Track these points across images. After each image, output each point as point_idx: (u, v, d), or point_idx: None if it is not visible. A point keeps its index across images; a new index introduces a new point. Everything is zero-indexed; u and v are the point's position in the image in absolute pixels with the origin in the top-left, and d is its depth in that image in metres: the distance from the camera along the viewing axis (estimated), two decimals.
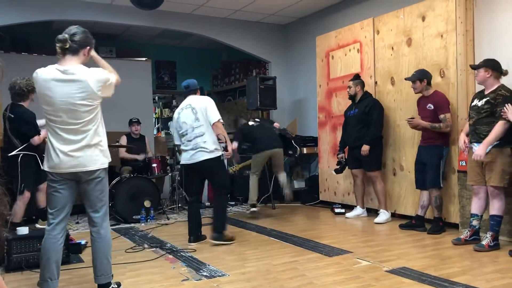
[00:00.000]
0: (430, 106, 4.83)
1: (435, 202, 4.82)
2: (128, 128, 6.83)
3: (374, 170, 5.46)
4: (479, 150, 4.01)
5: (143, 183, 5.96)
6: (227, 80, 9.55)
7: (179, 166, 7.57)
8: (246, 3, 7.09)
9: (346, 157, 5.80)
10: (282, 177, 6.02)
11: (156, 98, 10.87)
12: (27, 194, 4.86)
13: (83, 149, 2.90)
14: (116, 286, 3.12)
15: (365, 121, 5.45)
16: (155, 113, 11.08)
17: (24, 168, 4.88)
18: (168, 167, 6.67)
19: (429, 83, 4.89)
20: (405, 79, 5.07)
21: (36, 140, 4.84)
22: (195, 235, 4.60)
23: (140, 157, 6.57)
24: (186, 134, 4.56)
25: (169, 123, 11.37)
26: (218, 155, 4.52)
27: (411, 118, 4.93)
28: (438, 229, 4.77)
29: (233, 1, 7.02)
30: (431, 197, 4.87)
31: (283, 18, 8.00)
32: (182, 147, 4.64)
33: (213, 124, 4.51)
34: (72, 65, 2.90)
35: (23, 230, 3.85)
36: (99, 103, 2.97)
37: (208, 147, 4.46)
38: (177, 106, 10.85)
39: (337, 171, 5.89)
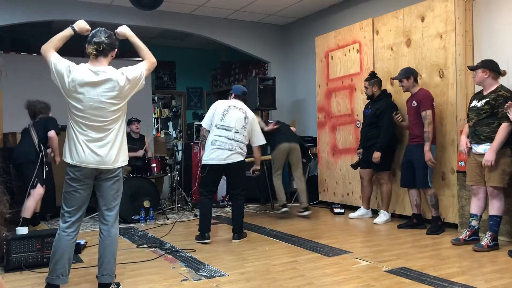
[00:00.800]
0: (414, 103, 4.86)
1: (430, 201, 4.83)
2: (127, 128, 6.81)
3: (383, 171, 5.43)
4: (489, 155, 3.98)
5: (143, 183, 5.96)
6: (227, 81, 9.56)
7: (178, 166, 7.59)
8: (245, 3, 7.10)
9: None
10: (299, 182, 6.05)
11: (156, 98, 10.88)
12: (41, 190, 4.97)
13: (106, 146, 2.98)
14: (115, 286, 3.12)
15: (375, 123, 5.38)
16: (155, 113, 11.09)
17: (41, 164, 5.11)
18: (167, 167, 6.67)
19: (415, 80, 4.92)
20: (392, 78, 5.13)
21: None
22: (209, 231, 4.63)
23: (139, 153, 6.58)
24: (228, 130, 4.56)
25: (168, 123, 11.38)
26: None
27: (395, 114, 5.02)
28: (437, 229, 4.77)
29: (233, 1, 7.02)
30: (426, 196, 4.88)
31: (282, 18, 8.01)
32: (215, 144, 4.55)
33: (256, 146, 4.87)
34: (104, 66, 3.06)
35: (23, 230, 3.85)
36: (126, 102, 3.12)
37: (243, 151, 4.67)
38: (176, 107, 10.92)
39: (353, 166, 5.81)
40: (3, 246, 3.66)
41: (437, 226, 4.79)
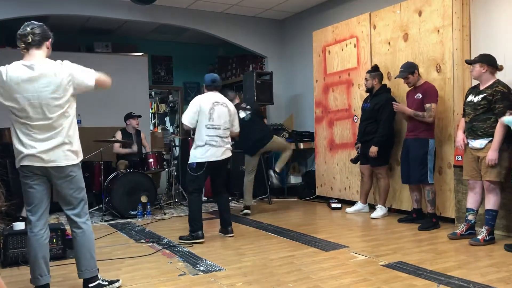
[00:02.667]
0: (419, 95, 4.84)
1: (427, 196, 4.83)
2: (123, 123, 6.79)
3: (380, 166, 5.43)
4: (492, 155, 3.97)
5: (140, 178, 5.95)
6: (224, 75, 9.53)
7: (176, 162, 7.58)
8: None
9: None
10: (287, 153, 6.14)
11: (153, 93, 10.85)
12: None
13: (53, 145, 2.83)
14: (106, 283, 3.05)
15: (374, 118, 5.36)
16: (152, 108, 11.06)
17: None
18: (164, 162, 6.67)
19: (419, 74, 4.91)
20: (396, 77, 5.09)
21: None
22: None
23: (133, 149, 6.57)
24: (217, 129, 4.51)
25: (165, 118, 11.37)
26: None
27: (396, 103, 4.97)
28: (430, 225, 4.75)
29: None
30: (423, 191, 4.88)
31: (279, 13, 7.99)
32: (209, 143, 4.46)
33: (235, 132, 4.82)
34: (38, 59, 2.88)
35: (19, 225, 3.84)
36: (72, 98, 2.92)
37: (230, 146, 4.66)
38: (173, 102, 10.89)
39: (352, 161, 5.77)
40: (0, 241, 3.66)
41: (431, 222, 4.78)
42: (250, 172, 6.00)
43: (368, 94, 5.57)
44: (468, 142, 4.24)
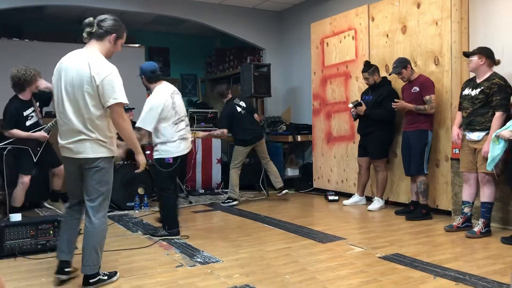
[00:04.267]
0: (416, 88, 4.84)
1: (419, 187, 4.85)
2: None
3: (379, 159, 5.42)
4: (486, 147, 3.97)
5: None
6: (221, 68, 9.50)
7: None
8: None
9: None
10: (271, 165, 6.29)
11: None
12: (24, 179, 4.86)
13: (85, 136, 2.86)
14: (106, 277, 3.05)
15: (377, 109, 5.33)
16: None
17: (15, 159, 4.97)
18: None
19: (412, 68, 4.91)
20: (390, 73, 5.08)
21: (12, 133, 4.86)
22: None
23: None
24: (184, 120, 4.33)
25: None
26: None
27: (396, 102, 4.96)
28: (419, 216, 4.80)
29: None
30: (416, 182, 4.90)
31: (277, 4, 7.94)
32: (182, 136, 4.25)
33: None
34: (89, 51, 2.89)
35: (16, 217, 3.84)
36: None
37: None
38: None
39: (353, 103, 5.49)
40: None
41: (420, 213, 4.82)
42: (238, 166, 6.09)
43: (368, 86, 5.55)
44: (465, 135, 4.25)
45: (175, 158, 4.23)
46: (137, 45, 8.12)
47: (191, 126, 7.25)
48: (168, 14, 7.53)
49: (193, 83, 10.13)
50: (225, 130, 6.04)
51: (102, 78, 2.81)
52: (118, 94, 2.87)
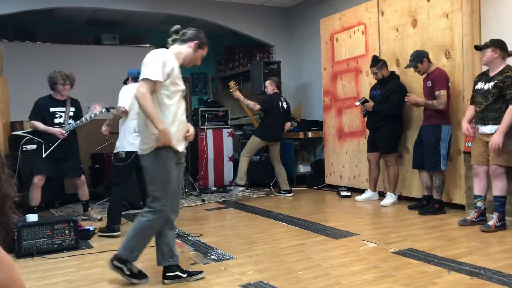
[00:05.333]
0: (429, 82, 4.81)
1: (434, 182, 4.82)
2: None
3: (389, 153, 5.40)
4: (496, 138, 3.93)
5: None
6: (231, 65, 9.52)
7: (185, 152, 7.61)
8: None
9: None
10: (281, 171, 6.50)
11: None
12: (35, 180, 4.92)
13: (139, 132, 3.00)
14: (185, 275, 3.04)
15: (385, 104, 5.31)
16: None
17: (31, 155, 5.08)
18: None
19: (429, 61, 4.85)
20: (405, 67, 5.03)
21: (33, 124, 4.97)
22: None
23: None
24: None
25: None
26: None
27: (407, 96, 4.92)
28: (432, 210, 4.78)
29: None
30: (432, 177, 4.86)
31: (286, 1, 7.93)
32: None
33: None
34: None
35: (33, 217, 3.90)
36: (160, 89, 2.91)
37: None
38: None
39: (360, 101, 5.53)
40: (13, 232, 3.71)
41: (433, 208, 4.80)
42: (249, 156, 6.36)
43: (376, 80, 5.53)
44: (478, 128, 4.21)
45: (128, 154, 4.29)
46: (147, 45, 8.16)
47: (202, 124, 7.34)
48: (177, 14, 7.56)
49: (204, 81, 10.16)
50: (259, 106, 6.35)
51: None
52: (145, 71, 2.90)
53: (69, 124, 4.98)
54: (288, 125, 6.70)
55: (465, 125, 4.28)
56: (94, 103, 5.03)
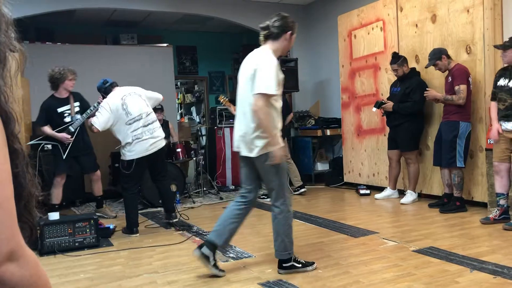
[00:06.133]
0: (449, 78, 4.74)
1: (453, 180, 4.75)
2: None
3: (409, 151, 5.34)
4: None
5: (169, 168, 5.98)
6: None
7: (203, 151, 7.64)
8: None
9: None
10: (292, 168, 6.42)
11: (178, 83, 10.93)
12: (57, 179, 5.01)
13: (250, 132, 3.02)
14: (300, 265, 3.11)
15: (405, 101, 5.24)
16: (178, 99, 11.16)
17: (49, 160, 5.18)
18: (192, 152, 6.73)
19: (449, 57, 4.78)
20: (425, 67, 4.96)
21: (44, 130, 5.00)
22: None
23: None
24: (139, 120, 4.35)
25: (191, 108, 11.46)
26: None
27: (426, 91, 4.87)
28: (453, 208, 4.71)
29: None
30: (450, 174, 4.79)
31: None
32: (137, 137, 4.30)
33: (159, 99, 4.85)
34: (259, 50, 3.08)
35: (54, 216, 3.96)
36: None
37: (159, 135, 4.54)
38: (199, 91, 10.97)
39: (376, 105, 5.49)
40: (37, 230, 3.78)
41: (454, 205, 4.73)
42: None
43: (396, 77, 5.47)
44: (501, 124, 4.12)
45: (129, 162, 4.33)
46: (165, 44, 8.22)
47: (219, 123, 7.36)
48: (194, 13, 7.59)
49: (221, 80, 10.19)
50: None
51: (255, 68, 2.96)
52: (261, 84, 2.92)
53: (77, 120, 5.02)
54: (289, 118, 6.58)
55: (496, 126, 4.13)
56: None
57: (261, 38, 3.08)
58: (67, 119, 5.05)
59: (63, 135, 4.95)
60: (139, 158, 4.31)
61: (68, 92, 5.07)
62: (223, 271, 3.11)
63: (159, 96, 4.77)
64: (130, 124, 4.33)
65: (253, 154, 3.02)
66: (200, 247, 3.09)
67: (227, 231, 3.13)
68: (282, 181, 3.08)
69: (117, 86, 4.60)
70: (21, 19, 6.37)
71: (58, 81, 4.99)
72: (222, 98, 6.22)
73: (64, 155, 4.96)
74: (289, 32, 3.09)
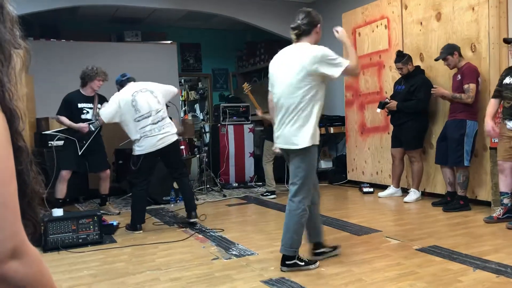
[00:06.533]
0: (459, 76, 4.72)
1: (459, 179, 4.74)
2: None
3: (413, 149, 5.32)
4: None
5: None
6: (252, 61, 9.51)
7: (206, 148, 7.64)
8: None
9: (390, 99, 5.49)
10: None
11: (182, 80, 10.94)
12: (63, 174, 5.03)
13: (292, 126, 3.06)
14: (302, 263, 3.11)
15: (409, 100, 5.23)
16: (182, 96, 11.17)
17: (59, 150, 5.18)
18: (195, 149, 6.74)
19: (460, 55, 4.75)
20: (435, 59, 4.93)
21: (62, 120, 5.04)
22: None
23: None
24: (148, 117, 4.37)
25: (195, 105, 11.47)
26: None
27: (434, 88, 4.84)
28: (456, 207, 4.70)
29: None
30: (454, 173, 4.78)
31: None
32: (144, 134, 4.33)
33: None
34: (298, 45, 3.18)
35: (58, 212, 3.98)
36: (319, 81, 3.11)
37: (170, 130, 4.51)
38: (203, 89, 10.98)
39: (379, 105, 5.47)
40: (40, 227, 3.79)
41: (457, 204, 4.72)
42: (271, 160, 6.21)
43: (400, 75, 5.45)
44: (506, 124, 4.10)
45: (137, 157, 4.38)
46: (169, 41, 8.22)
47: (223, 120, 7.37)
48: (198, 10, 7.58)
49: (225, 77, 10.19)
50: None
51: (314, 57, 3.10)
52: (340, 60, 3.20)
53: (97, 120, 5.04)
54: None
55: (489, 124, 4.11)
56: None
57: (294, 37, 3.22)
58: (85, 116, 5.09)
59: (81, 124, 4.97)
60: (147, 153, 4.34)
61: (94, 91, 5.11)
62: (334, 249, 3.35)
63: (174, 89, 4.83)
64: (138, 121, 4.36)
65: (299, 145, 3.04)
66: (315, 254, 3.29)
67: (318, 227, 3.33)
68: (307, 179, 3.10)
69: (133, 81, 4.64)
70: (26, 16, 6.38)
71: (88, 78, 5.04)
72: (246, 87, 6.20)
73: (80, 151, 5.00)
74: (318, 25, 3.30)
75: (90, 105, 5.12)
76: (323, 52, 3.11)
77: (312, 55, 3.05)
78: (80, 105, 5.07)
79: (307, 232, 3.26)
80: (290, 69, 3.09)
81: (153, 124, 4.37)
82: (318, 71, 3.05)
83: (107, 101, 5.18)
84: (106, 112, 4.46)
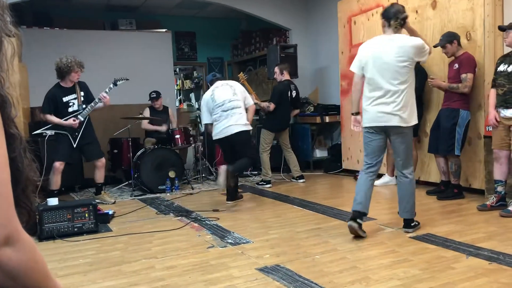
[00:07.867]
0: (456, 65, 4.71)
1: (451, 168, 4.76)
2: (149, 101, 6.85)
3: None
4: None
5: (167, 154, 6.02)
6: (247, 50, 9.46)
7: (201, 137, 7.64)
8: None
9: None
10: (289, 154, 6.46)
11: (177, 69, 10.87)
12: (56, 165, 5.02)
13: (390, 106, 3.46)
14: (419, 224, 3.67)
15: None
16: (177, 85, 11.11)
17: (50, 145, 5.13)
18: (191, 138, 6.73)
19: (459, 44, 4.74)
20: (434, 46, 4.92)
21: (46, 117, 5.02)
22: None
23: (162, 128, 6.63)
24: (222, 105, 4.99)
25: (190, 94, 11.43)
26: None
27: (431, 78, 4.85)
28: (450, 195, 4.74)
29: None
30: (448, 162, 4.80)
31: None
32: (217, 119, 5.04)
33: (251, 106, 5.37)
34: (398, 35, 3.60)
35: (53, 201, 3.98)
36: (413, 67, 3.54)
37: (240, 121, 5.06)
38: (198, 77, 10.91)
39: None
40: (35, 215, 3.79)
41: (451, 193, 4.77)
42: (268, 150, 6.29)
43: None
44: (499, 111, 4.12)
45: (214, 141, 5.25)
46: (163, 30, 8.16)
47: None
48: None
49: (220, 66, 10.14)
50: (273, 105, 6.24)
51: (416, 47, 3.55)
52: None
53: (84, 110, 5.03)
54: (294, 112, 6.66)
55: (492, 113, 4.14)
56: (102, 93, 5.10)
57: (395, 29, 3.59)
58: (72, 109, 5.06)
59: (70, 121, 4.96)
60: (218, 139, 5.05)
61: (73, 82, 5.07)
62: (365, 232, 3.55)
63: (251, 101, 5.31)
64: (214, 109, 5.01)
65: (406, 123, 3.48)
66: (353, 219, 3.51)
67: (368, 200, 3.63)
68: (410, 152, 3.63)
69: (219, 80, 5.29)
70: (18, 3, 6.32)
71: (65, 72, 5.02)
72: (242, 76, 6.26)
73: (74, 144, 4.99)
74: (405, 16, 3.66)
75: (74, 96, 5.09)
76: (420, 41, 3.57)
77: (413, 45, 3.50)
78: (65, 99, 5.05)
79: (364, 201, 3.62)
80: (393, 57, 3.48)
81: (223, 111, 5.02)
82: (417, 59, 3.53)
83: (87, 87, 5.22)
84: (203, 118, 5.27)
